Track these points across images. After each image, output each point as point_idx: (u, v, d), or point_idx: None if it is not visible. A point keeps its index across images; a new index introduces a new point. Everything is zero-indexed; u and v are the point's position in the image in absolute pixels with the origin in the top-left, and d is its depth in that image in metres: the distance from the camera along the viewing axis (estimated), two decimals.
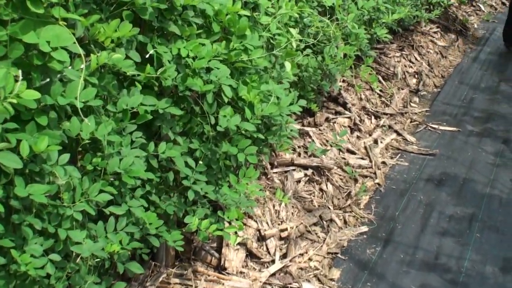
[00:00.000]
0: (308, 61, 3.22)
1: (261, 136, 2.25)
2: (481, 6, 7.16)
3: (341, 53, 3.41)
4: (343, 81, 4.23)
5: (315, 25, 3.10)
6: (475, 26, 6.60)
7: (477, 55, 5.80)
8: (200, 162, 2.15)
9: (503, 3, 7.75)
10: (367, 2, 3.74)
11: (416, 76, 5.04)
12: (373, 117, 4.15)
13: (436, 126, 4.22)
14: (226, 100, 2.08)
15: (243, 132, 2.18)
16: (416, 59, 5.27)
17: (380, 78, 4.68)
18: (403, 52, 5.20)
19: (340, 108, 4.00)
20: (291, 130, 2.52)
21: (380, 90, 4.53)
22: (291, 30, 2.56)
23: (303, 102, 2.48)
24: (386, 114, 4.25)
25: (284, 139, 2.52)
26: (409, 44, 5.40)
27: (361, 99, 4.26)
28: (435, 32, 5.87)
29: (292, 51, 2.57)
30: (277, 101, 2.28)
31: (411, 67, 5.10)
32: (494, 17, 7.09)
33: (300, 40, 2.92)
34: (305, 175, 3.25)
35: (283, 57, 2.53)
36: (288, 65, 2.46)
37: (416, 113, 4.43)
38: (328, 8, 3.39)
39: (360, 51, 3.89)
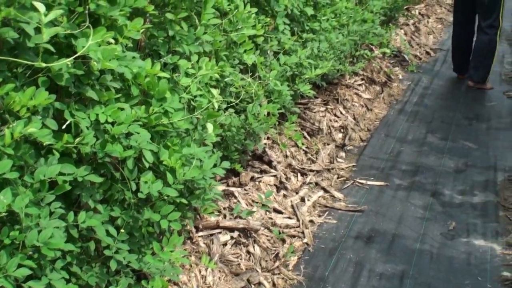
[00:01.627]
0: (231, 121, 3.35)
1: (184, 200, 2.35)
2: (406, 56, 7.51)
3: (264, 111, 3.56)
4: (268, 138, 4.37)
5: (236, 84, 3.25)
6: (400, 77, 6.91)
7: (403, 107, 6.08)
8: (122, 230, 2.22)
9: (427, 53, 8.16)
10: (290, 58, 3.93)
11: (342, 130, 5.24)
12: (299, 175, 4.30)
13: (363, 181, 4.40)
14: (147, 165, 2.17)
15: (166, 197, 2.27)
16: (341, 113, 5.49)
17: (306, 134, 4.86)
18: (328, 107, 5.42)
19: (265, 167, 4.13)
20: (215, 193, 2.63)
21: (306, 147, 4.70)
22: (212, 90, 2.70)
23: (226, 164, 2.60)
24: (313, 170, 4.40)
25: (208, 202, 2.63)
26: (334, 98, 5.62)
27: (286, 156, 4.41)
28: (359, 85, 6.13)
29: (214, 112, 2.70)
30: (199, 164, 2.38)
31: (337, 121, 5.31)
32: (419, 67, 7.43)
33: (223, 100, 3.06)
34: (232, 237, 3.34)
35: (205, 118, 2.65)
36: (210, 126, 2.58)
37: (343, 169, 4.61)
38: (250, 66, 3.55)
39: (284, 108, 4.05)
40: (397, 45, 7.68)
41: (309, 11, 4.33)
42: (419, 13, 9.79)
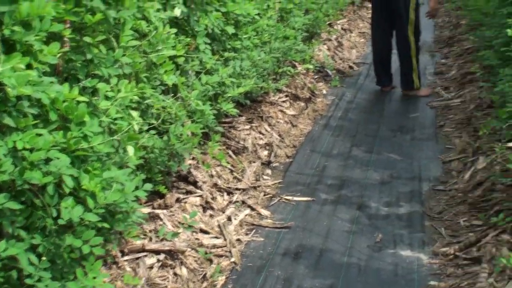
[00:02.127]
0: (153, 142, 3.39)
1: (106, 225, 2.37)
2: (329, 71, 7.68)
3: (187, 132, 3.62)
4: (193, 158, 4.42)
5: (156, 105, 3.30)
6: (324, 92, 7.07)
7: (328, 122, 6.22)
8: (44, 257, 2.23)
9: (351, 67, 8.38)
10: (211, 78, 4.01)
11: (267, 147, 5.34)
12: (225, 194, 4.37)
13: (290, 198, 4.49)
14: (67, 190, 2.19)
15: (87, 222, 2.29)
16: (266, 130, 5.59)
17: (231, 153, 4.93)
18: (253, 124, 5.51)
19: (191, 187, 4.18)
20: (138, 216, 2.66)
21: (232, 165, 4.77)
22: (132, 113, 2.74)
23: (148, 187, 2.65)
24: (239, 189, 4.47)
25: (131, 225, 2.66)
26: (259, 115, 5.72)
27: (212, 176, 4.46)
28: (284, 101, 6.25)
29: (134, 134, 2.74)
30: (120, 187, 2.42)
31: (262, 139, 5.41)
32: (343, 82, 7.61)
33: (144, 122, 3.11)
34: (158, 260, 3.37)
35: (125, 141, 2.69)
36: (130, 149, 2.62)
37: (269, 186, 4.69)
38: (171, 86, 3.61)
39: (207, 127, 4.11)
40: (320, 61, 7.86)
41: (230, 30, 4.42)
42: (342, 28, 10.04)
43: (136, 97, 2.80)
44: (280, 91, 6.31)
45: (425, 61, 8.64)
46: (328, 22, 9.26)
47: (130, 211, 2.61)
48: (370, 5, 12.13)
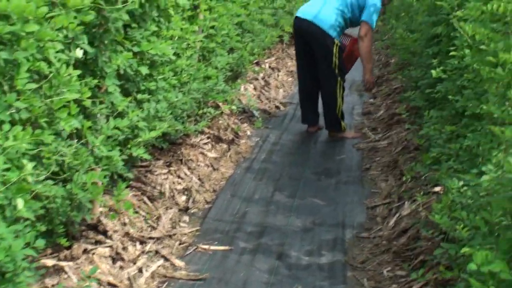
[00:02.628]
0: (55, 192, 3.23)
1: None
2: (254, 112, 7.62)
3: (93, 179, 3.46)
4: (104, 206, 4.25)
5: (54, 153, 3.14)
6: (248, 133, 6.99)
7: (251, 165, 6.12)
8: None
9: (277, 107, 8.34)
10: (121, 121, 3.86)
11: (186, 192, 5.21)
12: (138, 243, 4.20)
13: (206, 247, 4.36)
14: None
15: None
16: (185, 174, 5.46)
17: (146, 199, 4.78)
18: (171, 168, 5.38)
19: (100, 237, 4.01)
20: (28, 276, 2.50)
21: (147, 212, 4.62)
22: (25, 162, 2.59)
23: (41, 243, 2.50)
24: (153, 238, 4.32)
25: (21, 285, 2.49)
26: (178, 158, 5.60)
27: (125, 224, 4.30)
28: (205, 143, 6.14)
29: (25, 185, 2.59)
30: (7, 245, 2.27)
31: (180, 183, 5.27)
32: (268, 122, 7.56)
33: (41, 171, 2.95)
34: None
35: (15, 193, 2.54)
36: (20, 202, 2.47)
37: (185, 234, 4.55)
38: (75, 131, 3.46)
39: (117, 174, 3.97)
40: (245, 101, 7.79)
41: (144, 70, 4.29)
42: (270, 67, 10.04)
43: (25, 145, 2.64)
44: (202, 132, 6.21)
45: (354, 101, 8.71)
46: (255, 61, 9.23)
47: (19, 270, 2.44)
48: None
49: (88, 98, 3.47)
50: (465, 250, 2.35)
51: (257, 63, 9.54)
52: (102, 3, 3.48)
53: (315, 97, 7.26)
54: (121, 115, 4.06)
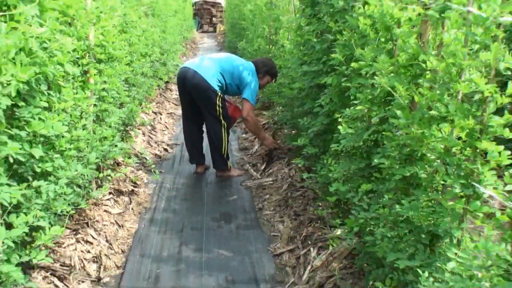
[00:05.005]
0: None
1: None
2: (147, 157, 6.29)
3: None
4: None
5: None
6: (145, 180, 5.64)
7: (153, 216, 4.82)
8: None
9: (166, 149, 7.04)
10: (12, 231, 2.50)
11: (96, 260, 3.85)
12: None
13: None
14: None
15: None
16: (93, 237, 4.09)
17: (56, 280, 3.40)
18: (79, 235, 3.99)
19: None
20: None
21: None
22: None
23: None
24: None
25: None
26: (84, 222, 4.21)
27: None
28: (108, 200, 4.77)
29: None
30: None
31: (89, 251, 3.90)
32: (161, 167, 6.25)
33: None
34: None
35: None
36: None
37: None
38: None
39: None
40: (138, 148, 6.45)
41: (37, 152, 2.93)
42: (153, 112, 8.68)
43: None
44: (110, 177, 4.81)
45: (230, 138, 7.53)
46: (141, 108, 7.89)
47: None
48: (173, 86, 10.97)
49: None
50: None
51: (141, 108, 8.17)
52: None
53: (200, 142, 6.04)
54: (18, 207, 2.70)
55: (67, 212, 3.35)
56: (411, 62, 2.68)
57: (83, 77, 4.33)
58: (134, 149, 6.38)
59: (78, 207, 3.83)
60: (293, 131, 5.98)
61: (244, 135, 7.64)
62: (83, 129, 3.91)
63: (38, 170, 3.06)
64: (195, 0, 23.70)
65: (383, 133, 2.98)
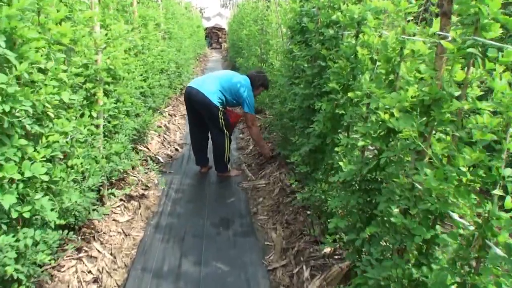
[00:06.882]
0: None
1: None
2: (160, 158, 5.19)
3: None
4: None
5: None
6: (156, 181, 4.55)
7: (159, 221, 3.73)
8: None
9: (176, 149, 5.92)
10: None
11: (97, 280, 2.77)
12: None
13: None
14: None
15: None
16: (99, 251, 3.02)
17: None
18: (82, 253, 2.91)
19: None
20: None
21: None
22: None
23: None
24: None
25: None
26: (91, 235, 3.12)
27: None
28: (118, 207, 3.68)
29: None
30: None
31: (90, 271, 2.82)
32: (171, 167, 5.14)
33: None
34: None
35: None
36: None
37: None
38: None
39: None
40: (153, 149, 5.34)
41: (8, 200, 1.83)
42: (169, 114, 7.53)
43: None
44: (113, 195, 3.71)
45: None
46: (158, 110, 6.77)
47: None
48: None
49: None
50: None
51: (159, 112, 7.03)
52: None
53: (205, 147, 4.93)
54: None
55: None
56: (434, 103, 1.57)
57: (91, 98, 3.20)
58: (147, 148, 5.27)
59: (87, 218, 2.74)
60: (281, 135, 4.86)
61: (241, 135, 6.52)
62: (86, 153, 2.79)
63: (15, 215, 1.95)
64: (206, 26, 23.58)
65: (385, 171, 1.90)
